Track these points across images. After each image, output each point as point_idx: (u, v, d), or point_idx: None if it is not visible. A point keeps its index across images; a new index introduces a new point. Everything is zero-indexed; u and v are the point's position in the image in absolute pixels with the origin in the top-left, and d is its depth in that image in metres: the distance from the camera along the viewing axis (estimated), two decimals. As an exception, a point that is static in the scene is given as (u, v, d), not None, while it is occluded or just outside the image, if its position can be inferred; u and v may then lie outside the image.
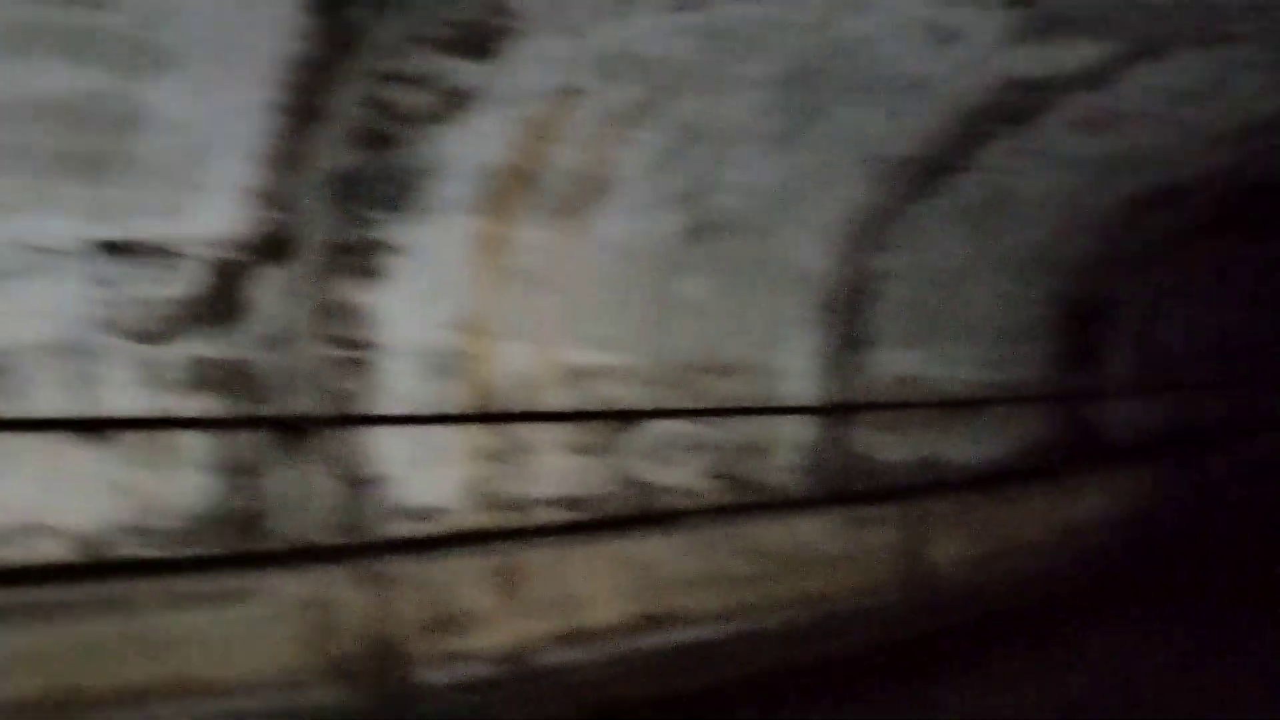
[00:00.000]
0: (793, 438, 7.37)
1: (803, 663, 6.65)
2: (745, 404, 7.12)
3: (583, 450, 6.39)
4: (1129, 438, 11.76)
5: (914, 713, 6.40)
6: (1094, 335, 10.83)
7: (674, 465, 6.75)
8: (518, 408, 6.09)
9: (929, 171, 7.47)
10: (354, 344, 5.48)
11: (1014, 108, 7.13)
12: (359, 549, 5.39)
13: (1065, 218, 9.01)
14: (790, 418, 7.35)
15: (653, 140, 6.18)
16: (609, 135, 5.99)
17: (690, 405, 6.85)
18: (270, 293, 5.15)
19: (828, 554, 6.93)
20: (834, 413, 7.56)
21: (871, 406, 7.84)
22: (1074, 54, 6.55)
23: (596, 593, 6.01)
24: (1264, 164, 9.60)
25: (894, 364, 8.06)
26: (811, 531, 6.90)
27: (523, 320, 6.11)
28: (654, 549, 6.22)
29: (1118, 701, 6.88)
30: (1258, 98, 7.75)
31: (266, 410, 5.17)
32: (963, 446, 8.60)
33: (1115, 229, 9.75)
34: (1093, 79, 6.95)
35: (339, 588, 5.14)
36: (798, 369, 7.45)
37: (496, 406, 6.02)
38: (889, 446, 7.96)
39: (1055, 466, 9.37)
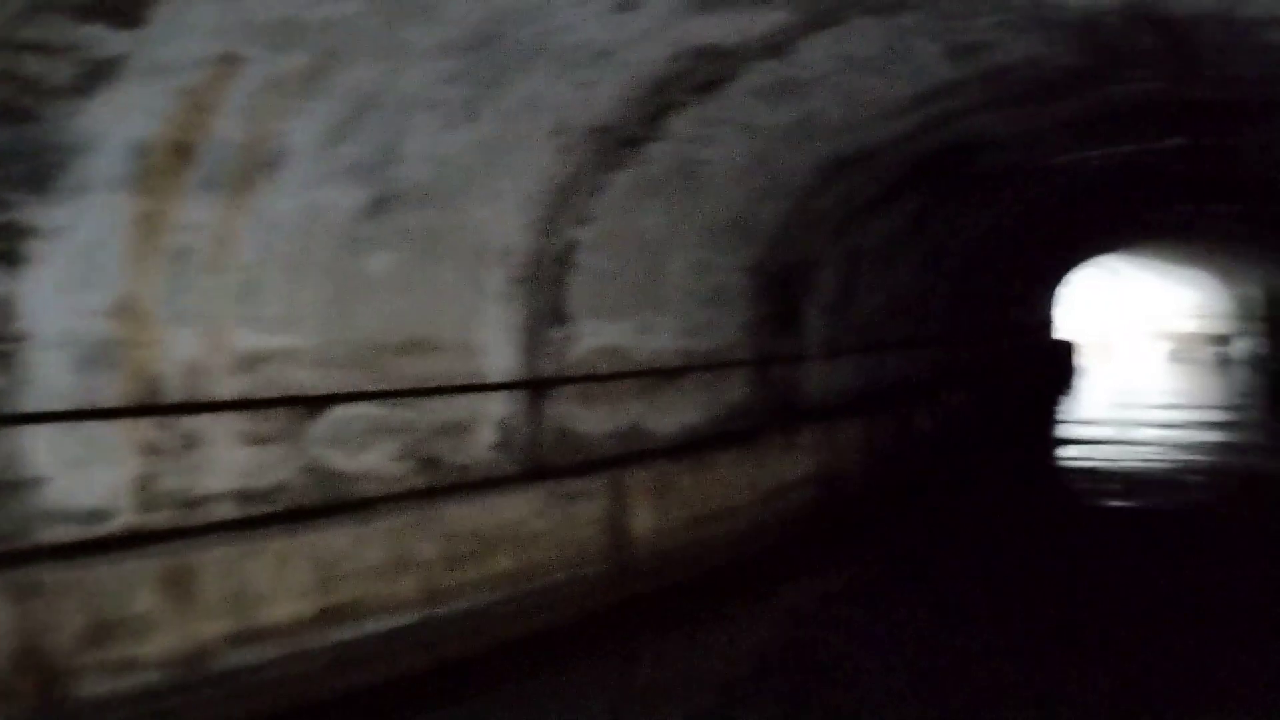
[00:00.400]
0: (492, 415, 7.21)
1: (507, 641, 6.53)
2: (441, 383, 6.91)
3: (262, 440, 6.04)
4: (831, 398, 12.17)
5: (615, 678, 6.44)
6: (793, 300, 11.11)
7: (363, 451, 6.48)
8: (187, 398, 5.69)
9: (620, 141, 7.42)
10: (-9, 337, 4.98)
11: (699, 76, 7.15)
12: (8, 558, 4.93)
13: (758, 185, 9.16)
14: (489, 395, 7.19)
15: (326, 110, 5.85)
16: (276, 106, 5.63)
17: (381, 387, 6.58)
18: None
19: (530, 531, 6.82)
20: (534, 388, 7.44)
21: (573, 380, 7.76)
22: (754, 22, 6.60)
23: (277, 589, 5.69)
24: (943, 129, 10.03)
25: (595, 336, 8.00)
26: (512, 510, 6.77)
27: (189, 304, 5.70)
28: (341, 539, 5.94)
29: (801, 651, 7.15)
30: (931, 65, 8.04)
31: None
32: (665, 416, 8.65)
33: (807, 195, 10.00)
34: (774, 47, 7.04)
35: (-18, 604, 4.67)
36: (496, 344, 7.28)
37: (163, 398, 5.61)
38: (591, 419, 7.91)
39: (756, 430, 9.55)
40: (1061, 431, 19.33)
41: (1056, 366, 30.06)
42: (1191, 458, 15.31)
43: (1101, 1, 6.95)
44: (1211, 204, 20.03)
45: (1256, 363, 35.63)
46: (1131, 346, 42.28)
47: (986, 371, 19.97)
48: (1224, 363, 37.50)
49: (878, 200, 11.63)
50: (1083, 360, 34.60)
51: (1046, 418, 21.12)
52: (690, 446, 8.65)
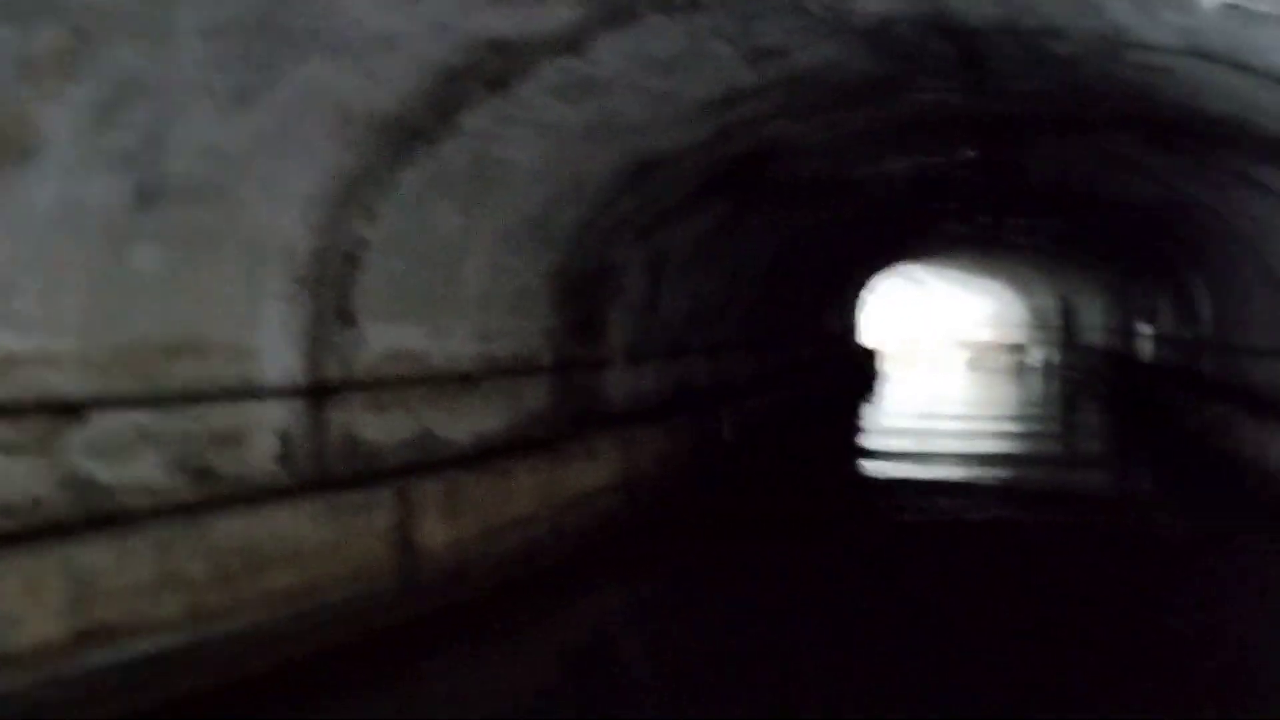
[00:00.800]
0: (271, 423, 6.81)
1: (282, 663, 6.16)
2: (215, 389, 6.49)
3: (12, 450, 5.55)
4: (635, 404, 12.07)
5: (396, 700, 6.14)
6: (596, 305, 10.97)
7: (129, 461, 6.02)
8: (-81, 405, 5.19)
9: (410, 136, 7.13)
10: None
11: (492, 70, 6.92)
12: None
13: (560, 187, 8.97)
14: (268, 402, 6.79)
15: (86, 95, 5.41)
16: (28, 89, 5.18)
17: (149, 393, 6.13)
18: None
19: (310, 546, 6.45)
20: (319, 394, 7.07)
21: (362, 385, 7.42)
22: (545, 16, 6.41)
23: (27, 611, 5.23)
24: (746, 135, 10.02)
25: (385, 339, 7.67)
26: (291, 524, 6.39)
27: (-76, 303, 5.20)
28: (99, 556, 5.50)
29: (595, 663, 6.99)
30: (731, 68, 7.98)
31: None
32: (460, 423, 8.37)
33: (610, 198, 9.86)
34: (569, 43, 6.86)
35: None
36: (276, 348, 6.88)
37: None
38: (382, 427, 7.58)
39: (556, 438, 9.35)
40: (863, 439, 19.72)
41: (860, 372, 30.79)
42: (984, 469, 15.74)
43: (893, 9, 6.99)
44: (1007, 217, 20.72)
45: (1050, 371, 37.21)
46: (932, 354, 43.59)
47: (792, 377, 20.27)
48: (1020, 371, 39.02)
49: (682, 205, 11.59)
50: (885, 367, 35.51)
51: (849, 423, 21.52)
52: (486, 455, 8.39)
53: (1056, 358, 37.26)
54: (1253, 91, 7.89)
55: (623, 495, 10.02)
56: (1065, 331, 36.35)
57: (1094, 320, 32.50)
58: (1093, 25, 7.21)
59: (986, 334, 43.08)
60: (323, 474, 7.02)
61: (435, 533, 7.36)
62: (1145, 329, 24.60)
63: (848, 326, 30.97)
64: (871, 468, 16.26)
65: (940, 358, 43.08)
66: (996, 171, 14.06)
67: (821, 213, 16.06)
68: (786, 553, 10.13)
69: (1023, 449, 18.71)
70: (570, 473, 9.07)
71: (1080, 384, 31.24)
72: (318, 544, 6.48)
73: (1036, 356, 39.46)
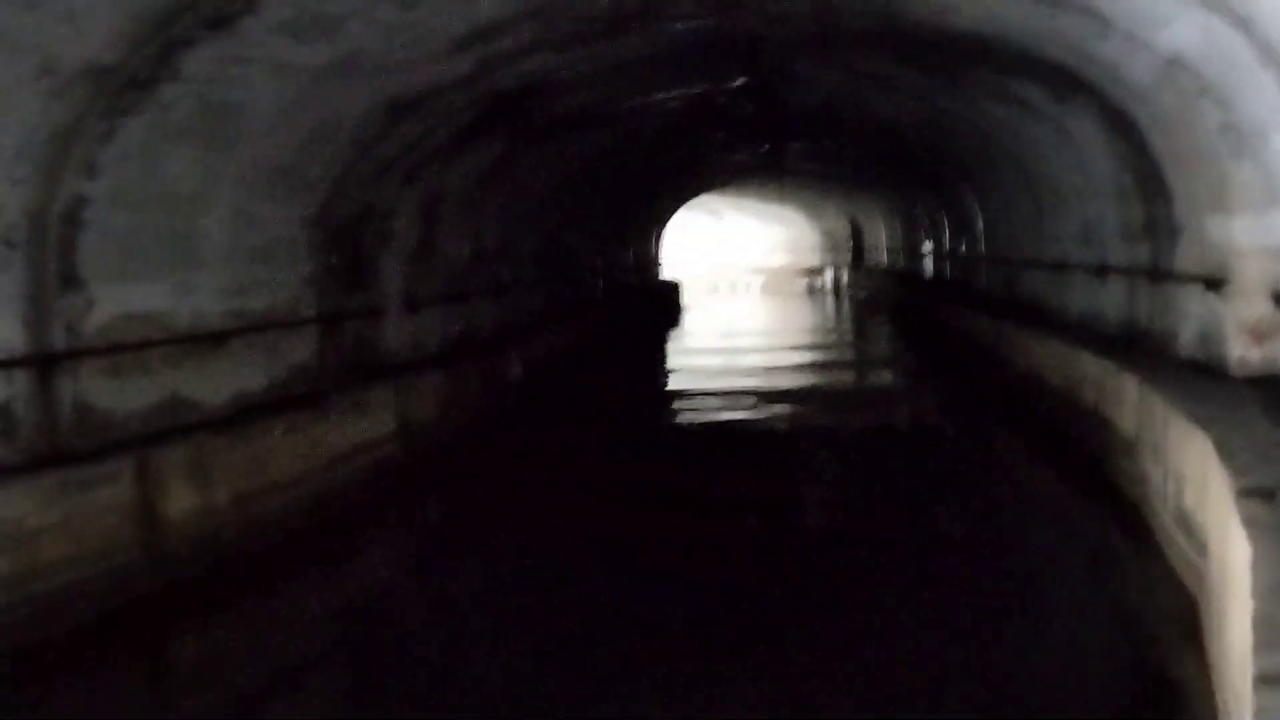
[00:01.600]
0: (-10, 397, 6.28)
1: (10, 651, 5.70)
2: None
3: None
4: (417, 350, 11.73)
5: (141, 675, 5.82)
6: (365, 251, 10.56)
7: None
8: None
9: (129, 84, 6.59)
10: None
11: (211, 9, 6.45)
12: None
13: (308, 131, 8.52)
14: (-15, 374, 6.26)
15: None
16: None
17: None
18: None
19: (35, 526, 5.95)
20: (44, 363, 6.53)
21: (95, 351, 6.89)
22: (260, -53, 5.98)
23: None
24: (504, 71, 9.72)
25: (120, 301, 7.14)
26: (12, 505, 5.89)
27: None
28: None
29: (367, 621, 6.76)
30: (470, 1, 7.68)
31: None
32: (211, 384, 7.91)
33: (369, 141, 9.45)
34: (294, -25, 6.45)
35: None
36: (-9, 316, 6.33)
37: None
38: (119, 394, 7.07)
39: (323, 392, 8.98)
40: (659, 367, 19.97)
41: (662, 304, 30.91)
42: (775, 383, 16.30)
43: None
44: (786, 142, 20.89)
45: (840, 292, 38.16)
46: (732, 282, 44.18)
47: (590, 313, 20.15)
48: (813, 292, 39.90)
49: (452, 145, 11.22)
50: (687, 298, 35.80)
51: (648, 354, 21.64)
52: (243, 416, 7.97)
53: (847, 279, 38.21)
54: (998, 4, 7.99)
55: (399, 445, 9.71)
56: (855, 253, 37.27)
57: (881, 240, 33.36)
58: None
59: (782, 260, 43.82)
60: (54, 448, 6.51)
61: (183, 501, 6.93)
62: (927, 246, 25.31)
63: (648, 260, 31.02)
64: (666, 392, 16.58)
65: (739, 285, 43.70)
66: (764, 97, 14.07)
67: (602, 147, 15.88)
68: (574, 479, 10.10)
69: (810, 362, 19.32)
70: (338, 427, 8.71)
71: (868, 302, 32.14)
72: (44, 524, 5.99)
73: (828, 278, 40.41)
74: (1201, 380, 7.55)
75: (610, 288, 23.66)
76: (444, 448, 10.64)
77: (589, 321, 19.82)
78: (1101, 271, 11.05)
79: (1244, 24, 5.75)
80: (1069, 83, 9.41)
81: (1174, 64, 7.21)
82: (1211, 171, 7.71)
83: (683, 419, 14.19)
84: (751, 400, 14.95)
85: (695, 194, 32.06)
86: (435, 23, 7.91)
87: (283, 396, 8.68)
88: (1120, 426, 8.26)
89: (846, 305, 33.42)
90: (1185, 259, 8.56)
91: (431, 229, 12.16)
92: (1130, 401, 7.97)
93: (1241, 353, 7.55)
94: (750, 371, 17.99)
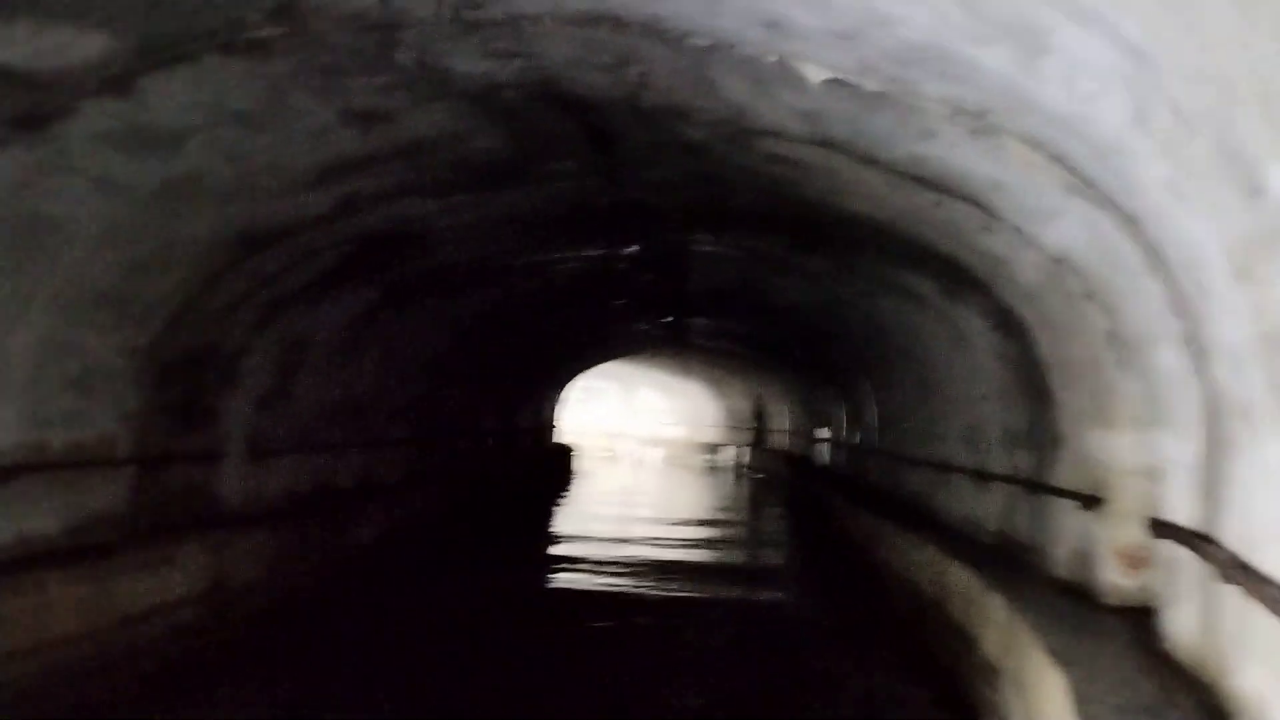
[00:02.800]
0: None
1: None
2: None
3: None
4: (259, 503, 10.87)
5: None
6: (203, 391, 9.77)
7: None
8: None
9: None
10: None
11: (20, 108, 5.82)
12: None
13: (139, 255, 7.81)
14: None
15: None
16: None
17: None
18: None
19: None
20: None
21: None
22: (69, 44, 5.38)
23: None
24: (372, 212, 9.17)
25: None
26: None
27: None
28: None
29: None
30: (330, 130, 7.14)
31: None
32: (-11, 524, 7.04)
33: (215, 273, 8.77)
34: (113, 82, 5.84)
35: None
36: None
37: None
38: None
39: (124, 543, 8.09)
40: (546, 530, 19.23)
41: (553, 469, 30.18)
42: (660, 554, 15.65)
43: (494, 71, 6.32)
44: (688, 317, 20.62)
45: (739, 472, 37.70)
46: (632, 451, 43.71)
47: (470, 475, 19.35)
48: (712, 470, 39.39)
49: (317, 289, 10.59)
50: (582, 463, 35.12)
51: (523, 526, 20.70)
52: (24, 564, 7.07)
53: (746, 458, 37.81)
54: (884, 189, 7.63)
55: (206, 609, 8.78)
56: (757, 433, 36.97)
57: (783, 423, 33.09)
58: (714, 106, 6.76)
59: (684, 433, 43.48)
60: None
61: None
62: (823, 433, 24.99)
63: (543, 423, 30.33)
64: (537, 560, 15.75)
65: (639, 455, 43.23)
66: (663, 267, 13.72)
67: (492, 303, 15.34)
68: (409, 658, 9.24)
69: (706, 559, 18.30)
70: (130, 584, 7.80)
71: (764, 486, 31.68)
72: None
73: (729, 456, 40.00)
74: (1071, 605, 7.00)
75: (498, 450, 22.91)
76: (261, 613, 9.69)
77: (469, 482, 19.03)
78: (982, 477, 10.61)
79: (1131, 222, 5.35)
80: (960, 278, 9.08)
81: (1061, 263, 6.84)
82: (1096, 382, 7.30)
83: (552, 585, 13.40)
84: (629, 571, 14.64)
85: (598, 361, 31.70)
86: (288, 150, 7.35)
87: (81, 544, 7.79)
88: (985, 649, 7.65)
89: (744, 486, 32.91)
90: (1064, 472, 8.10)
91: (290, 374, 11.41)
92: (996, 622, 7.38)
93: (1114, 579, 7.03)
94: (634, 541, 17.33)
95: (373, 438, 14.21)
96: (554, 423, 32.70)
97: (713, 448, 41.47)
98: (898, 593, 11.61)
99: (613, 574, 14.71)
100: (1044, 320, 8.02)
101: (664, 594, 13.74)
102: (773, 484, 31.02)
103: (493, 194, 9.50)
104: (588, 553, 16.72)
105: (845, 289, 12.40)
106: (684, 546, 18.27)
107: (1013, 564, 8.83)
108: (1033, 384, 8.83)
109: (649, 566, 15.24)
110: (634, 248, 12.42)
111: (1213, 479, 5.07)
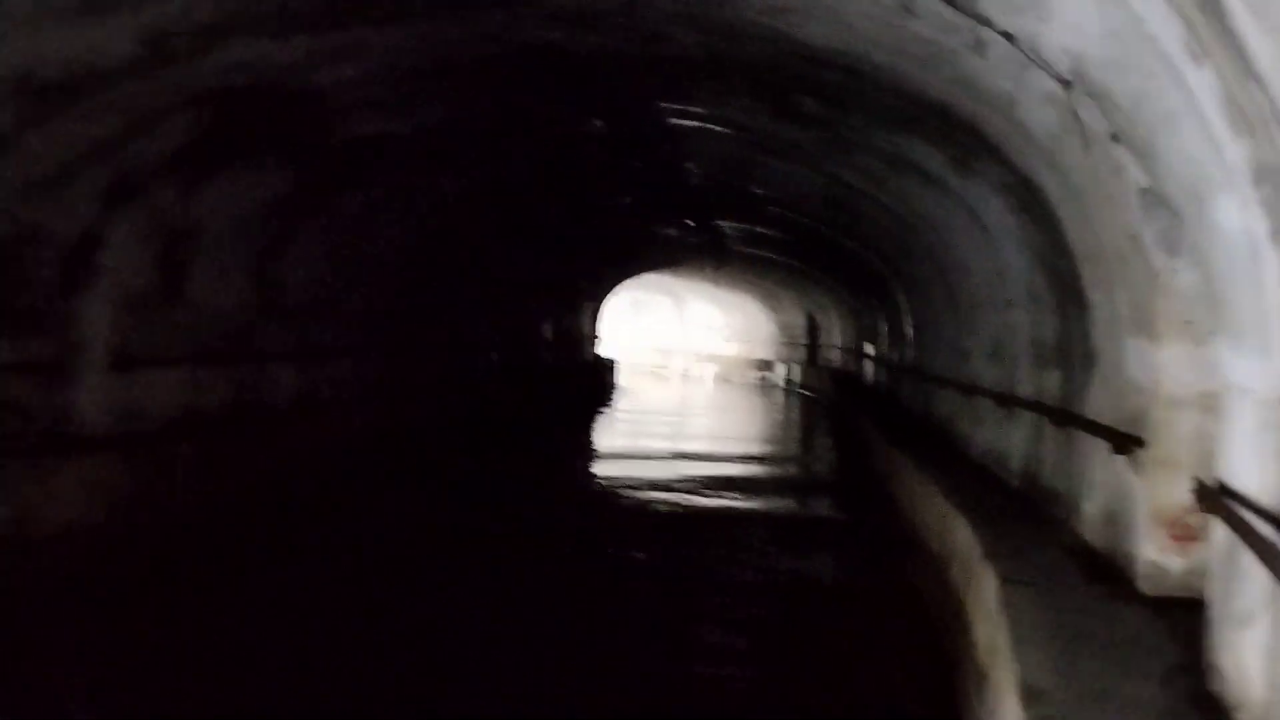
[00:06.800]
0: None
1: None
2: None
3: None
4: (134, 423, 9.03)
5: None
6: (34, 287, 7.89)
7: None
8: None
9: None
10: None
11: None
12: None
13: None
14: None
15: None
16: None
17: None
18: None
19: None
20: None
21: None
22: None
23: None
24: (207, 59, 7.14)
25: None
26: None
27: None
28: None
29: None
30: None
31: None
32: None
33: (5, 133, 6.83)
34: None
35: None
36: None
37: None
38: None
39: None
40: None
41: (589, 385, 28.38)
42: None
43: None
44: (708, 218, 18.58)
45: (790, 389, 35.58)
46: (683, 368, 41.95)
47: (461, 387, 17.51)
48: (762, 388, 37.38)
49: (186, 165, 8.63)
50: (625, 379, 33.32)
51: (545, 445, 19.07)
52: None
53: (798, 376, 35.63)
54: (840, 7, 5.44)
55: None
56: (810, 350, 34.73)
57: (835, 339, 30.89)
58: None
59: (738, 349, 41.46)
60: None
61: None
62: (869, 349, 22.85)
63: (574, 334, 28.29)
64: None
65: (690, 371, 41.42)
66: (639, 151, 11.58)
67: (454, 197, 13.35)
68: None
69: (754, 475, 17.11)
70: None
71: (813, 405, 29.57)
72: None
73: (780, 374, 37.87)
74: (1094, 592, 4.89)
75: (509, 360, 20.97)
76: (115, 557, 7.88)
77: (461, 397, 17.20)
78: (1008, 402, 8.42)
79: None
80: (966, 142, 6.85)
81: (1074, 86, 4.58)
82: (1134, 269, 5.09)
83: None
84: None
85: (636, 271, 29.75)
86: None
87: None
88: (977, 640, 5.54)
89: (794, 406, 30.93)
90: (1097, 400, 5.94)
91: (176, 271, 9.48)
92: (989, 608, 5.26)
93: (1155, 556, 4.86)
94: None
95: (313, 348, 12.28)
96: (591, 334, 30.75)
97: (766, 364, 39.34)
98: (915, 541, 9.49)
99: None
100: (1066, 187, 5.77)
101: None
102: (820, 403, 28.93)
103: (371, 29, 7.44)
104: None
105: (846, 170, 10.13)
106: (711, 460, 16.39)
107: (1034, 519, 6.73)
108: (1061, 281, 6.65)
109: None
110: (599, 123, 10.26)
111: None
